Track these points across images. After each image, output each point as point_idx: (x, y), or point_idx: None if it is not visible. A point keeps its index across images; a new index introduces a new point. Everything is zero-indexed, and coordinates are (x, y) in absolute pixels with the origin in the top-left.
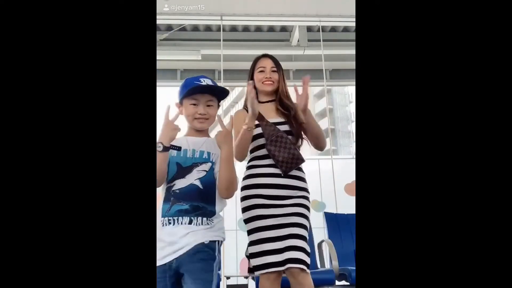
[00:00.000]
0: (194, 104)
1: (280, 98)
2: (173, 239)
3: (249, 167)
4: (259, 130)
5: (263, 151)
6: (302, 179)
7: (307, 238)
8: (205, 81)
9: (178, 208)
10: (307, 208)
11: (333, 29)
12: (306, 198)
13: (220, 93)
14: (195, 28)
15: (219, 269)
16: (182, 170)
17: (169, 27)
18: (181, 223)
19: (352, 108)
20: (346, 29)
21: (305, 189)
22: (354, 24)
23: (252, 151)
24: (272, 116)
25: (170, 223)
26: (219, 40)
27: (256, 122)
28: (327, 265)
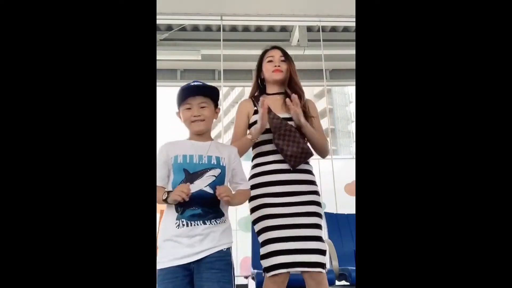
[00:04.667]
0: (188, 108)
1: (289, 87)
2: (191, 242)
3: (254, 166)
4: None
5: (267, 147)
6: (310, 172)
7: (322, 237)
8: (195, 84)
9: (191, 212)
10: (320, 204)
11: (333, 29)
12: (317, 193)
13: (211, 93)
14: (195, 28)
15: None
16: (190, 176)
17: (169, 27)
18: (197, 225)
19: (352, 108)
20: (346, 29)
21: (314, 183)
22: (354, 24)
23: (255, 146)
24: (279, 110)
25: (184, 225)
26: (219, 40)
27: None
28: (327, 265)
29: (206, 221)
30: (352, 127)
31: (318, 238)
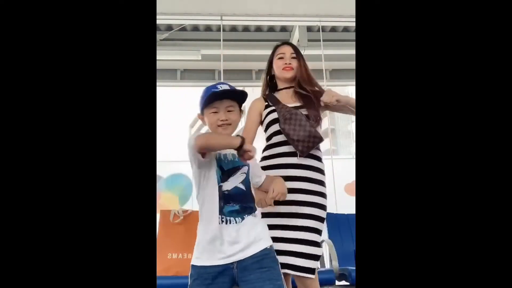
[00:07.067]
0: (215, 112)
1: (299, 84)
2: (233, 239)
3: (263, 158)
4: (275, 115)
5: (279, 138)
6: (321, 171)
7: (319, 241)
8: (222, 87)
9: (230, 209)
10: (324, 208)
11: (333, 29)
12: (323, 195)
13: (239, 97)
14: (195, 28)
15: None
16: (226, 173)
17: (169, 27)
18: (236, 222)
19: None
20: (346, 29)
21: (323, 183)
22: (354, 24)
23: (267, 139)
24: (289, 101)
25: (223, 222)
26: (219, 40)
27: (273, 108)
28: (327, 265)
29: (244, 216)
30: (352, 127)
31: (314, 243)
